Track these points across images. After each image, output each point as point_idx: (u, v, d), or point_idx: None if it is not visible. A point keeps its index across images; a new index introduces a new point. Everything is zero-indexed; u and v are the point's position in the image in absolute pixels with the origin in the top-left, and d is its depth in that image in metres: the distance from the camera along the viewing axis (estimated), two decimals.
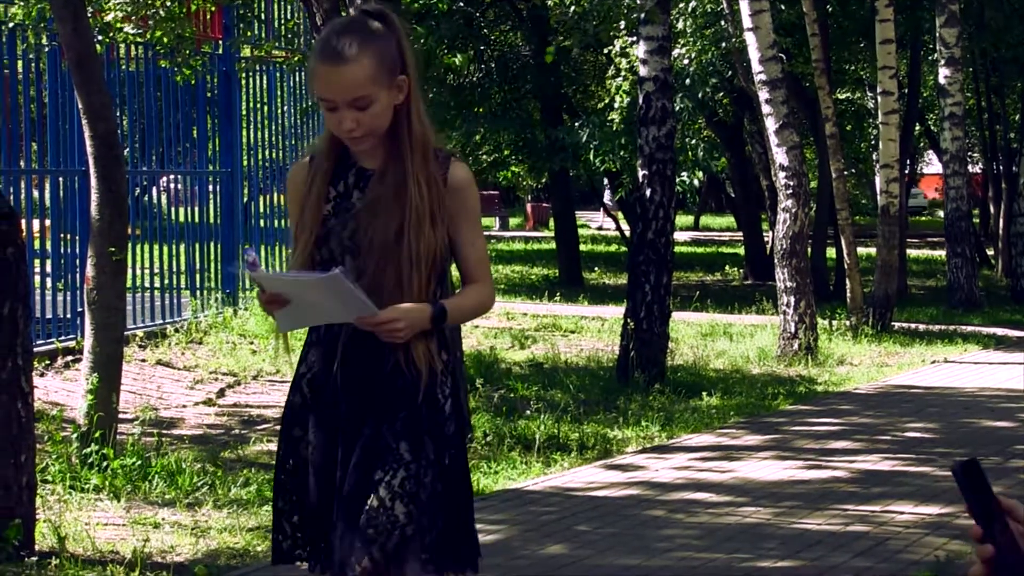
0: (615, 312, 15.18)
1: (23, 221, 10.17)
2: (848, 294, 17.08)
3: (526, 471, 8.70)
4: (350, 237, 3.76)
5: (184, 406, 10.56)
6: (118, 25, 12.28)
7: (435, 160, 3.81)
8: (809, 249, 16.32)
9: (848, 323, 16.28)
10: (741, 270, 26.30)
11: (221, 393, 11.21)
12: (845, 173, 16.74)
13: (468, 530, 3.87)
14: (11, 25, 12.37)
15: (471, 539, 3.87)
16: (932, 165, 44.99)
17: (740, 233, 28.20)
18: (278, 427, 9.79)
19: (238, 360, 12.49)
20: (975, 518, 1.93)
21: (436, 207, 3.75)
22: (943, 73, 19.24)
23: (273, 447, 9.06)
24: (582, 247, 25.89)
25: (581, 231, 26.72)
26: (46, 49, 12.65)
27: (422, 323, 3.71)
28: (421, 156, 3.78)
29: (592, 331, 16.12)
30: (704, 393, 11.49)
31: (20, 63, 12.70)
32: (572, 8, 20.89)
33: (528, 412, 10.35)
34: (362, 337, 3.74)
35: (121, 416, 8.66)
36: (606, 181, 31.63)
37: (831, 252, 22.37)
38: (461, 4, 21.51)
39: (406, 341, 3.71)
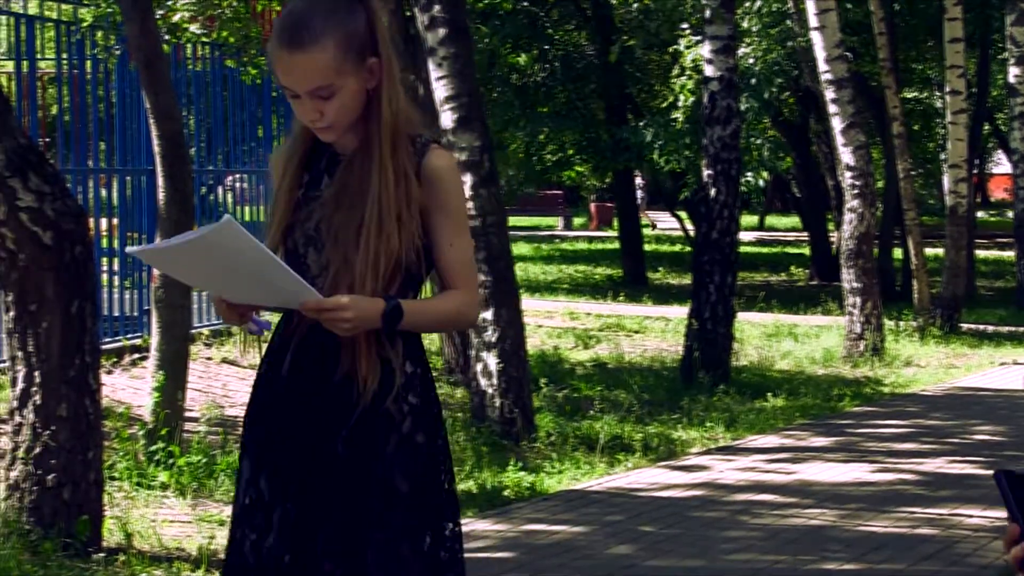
0: (679, 312, 15.14)
1: (91, 220, 10.25)
2: (915, 295, 16.95)
3: (590, 471, 8.68)
4: (314, 228, 3.36)
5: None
6: (185, 26, 12.37)
7: (411, 148, 3.37)
8: (876, 249, 16.21)
9: (915, 324, 16.16)
10: (806, 270, 26.15)
11: None
12: (912, 173, 16.61)
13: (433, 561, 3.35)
14: (81, 27, 12.48)
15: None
16: (1001, 165, 44.57)
17: (805, 233, 28.04)
18: None
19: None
20: (1014, 519, 1.92)
21: (403, 203, 3.30)
22: (1013, 72, 19.05)
23: None
24: (646, 247, 25.82)
25: (645, 231, 26.63)
26: (115, 50, 12.75)
27: (371, 318, 3.23)
28: (391, 147, 3.34)
29: (656, 331, 16.08)
30: (769, 394, 11.43)
31: (89, 64, 12.80)
32: (636, 7, 20.86)
33: (592, 412, 10.33)
34: (316, 337, 3.30)
35: (187, 414, 8.70)
36: (640, 181, 31.62)
37: (898, 253, 22.20)
38: (526, 4, 21.50)
39: (353, 340, 3.26)
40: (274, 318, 3.49)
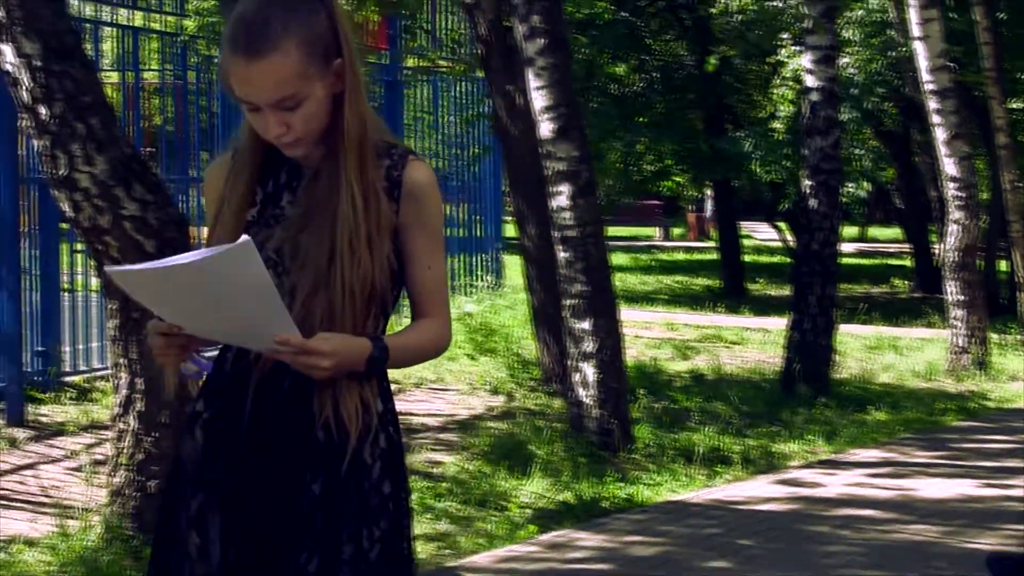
0: (779, 324, 14.99)
1: (193, 228, 10.34)
2: (1021, 308, 16.69)
3: (688, 483, 8.62)
4: (275, 250, 2.98)
5: None
6: None
7: (386, 160, 3.04)
8: (980, 262, 15.98)
9: (1021, 338, 15.90)
10: (909, 282, 25.85)
11: None
12: (1018, 184, 16.35)
13: None
14: (184, 38, 12.60)
15: None
16: None
17: (908, 245, 27.72)
18: (440, 435, 9.82)
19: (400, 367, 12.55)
20: None
21: (373, 224, 2.97)
22: None
23: (436, 455, 9.10)
24: (745, 257, 25.64)
25: (744, 241, 26.46)
26: (216, 60, 12.86)
27: (354, 363, 2.93)
28: (356, 158, 2.98)
29: (755, 343, 15.95)
30: (871, 407, 11.29)
31: (192, 74, 12.94)
32: (736, 17, 20.75)
33: (690, 423, 10.26)
34: (281, 373, 2.96)
35: None
36: (710, 192, 31.46)
37: (1003, 265, 21.89)
38: (625, 14, 21.45)
39: (333, 384, 2.95)
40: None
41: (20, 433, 9.29)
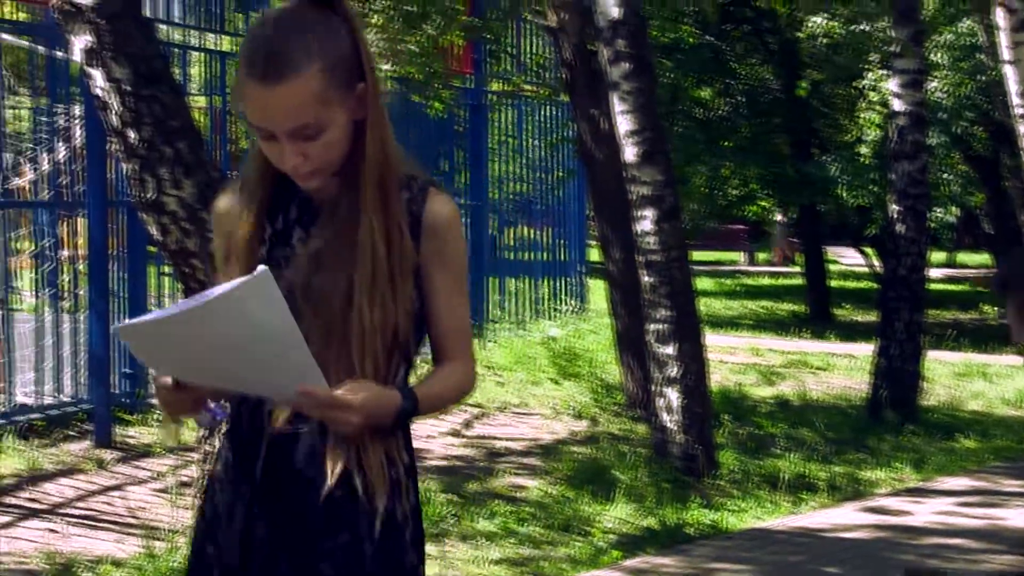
0: (865, 350, 14.85)
1: None
2: None
3: (773, 510, 8.55)
4: (287, 294, 2.63)
5: (431, 437, 10.66)
6: None
7: (405, 193, 2.78)
8: None
9: None
10: (998, 309, 25.55)
11: (468, 424, 11.29)
12: None
13: None
14: None
15: None
16: None
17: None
18: (524, 459, 9.80)
19: (484, 392, 12.57)
20: None
21: (396, 263, 2.72)
22: None
23: (519, 480, 9.09)
24: (831, 283, 25.44)
25: (830, 266, 26.27)
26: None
27: (383, 417, 2.68)
28: (377, 190, 2.73)
29: (841, 368, 15.81)
30: (959, 435, 11.15)
31: None
32: (822, 41, 20.63)
33: (775, 449, 10.18)
34: (300, 429, 2.72)
35: None
36: (780, 217, 31.27)
37: None
38: (709, 38, 21.39)
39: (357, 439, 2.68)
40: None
41: (108, 454, 9.38)
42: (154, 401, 10.89)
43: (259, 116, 2.67)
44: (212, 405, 2.75)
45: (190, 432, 9.57)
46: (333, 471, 2.69)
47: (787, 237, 38.59)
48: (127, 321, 2.66)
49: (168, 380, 2.64)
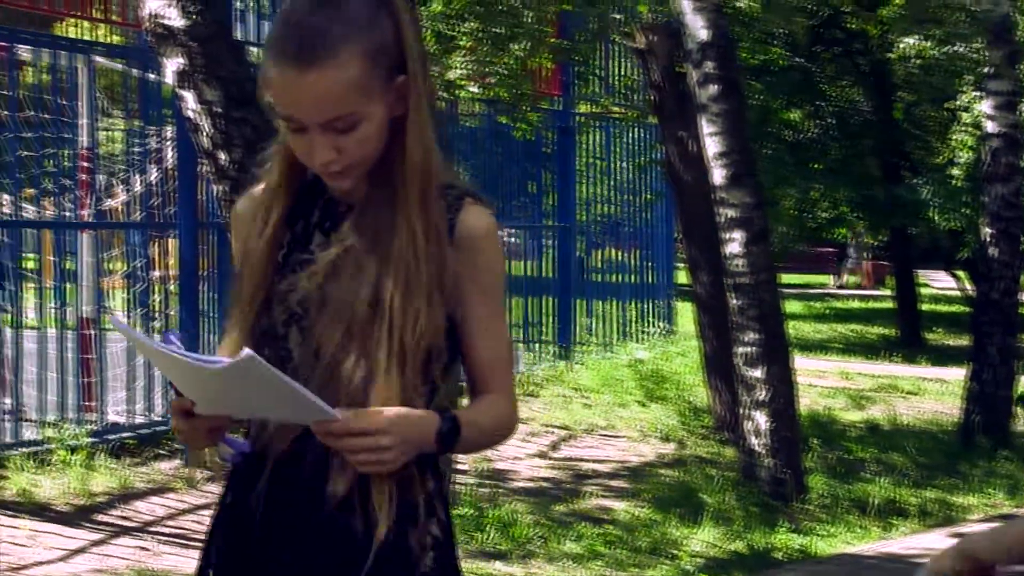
0: (956, 374, 14.68)
1: None
2: None
3: (863, 535, 8.46)
4: (300, 302, 2.47)
5: (518, 458, 10.65)
6: (460, 83, 12.56)
7: (441, 200, 2.51)
8: None
9: None
10: None
11: (555, 446, 11.27)
12: None
13: None
14: None
15: None
16: None
17: None
18: (611, 482, 9.75)
19: (571, 414, 12.55)
20: None
21: (434, 274, 2.45)
22: None
23: (606, 502, 9.06)
24: (923, 306, 25.19)
25: (922, 290, 26.01)
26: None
27: (422, 443, 2.40)
28: (419, 194, 2.47)
29: (932, 393, 15.64)
30: None
31: None
32: (915, 62, 20.45)
33: (865, 474, 10.09)
34: (301, 451, 2.47)
35: (457, 467, 8.78)
36: (852, 240, 31.05)
37: None
38: (799, 60, 21.28)
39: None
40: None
41: (198, 473, 9.45)
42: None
43: (289, 104, 2.41)
44: (232, 437, 2.51)
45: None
46: (335, 493, 2.44)
47: (860, 260, 38.46)
48: (134, 331, 2.52)
49: (184, 406, 2.41)
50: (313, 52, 2.36)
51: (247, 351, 2.28)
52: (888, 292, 31.16)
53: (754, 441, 9.28)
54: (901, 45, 19.93)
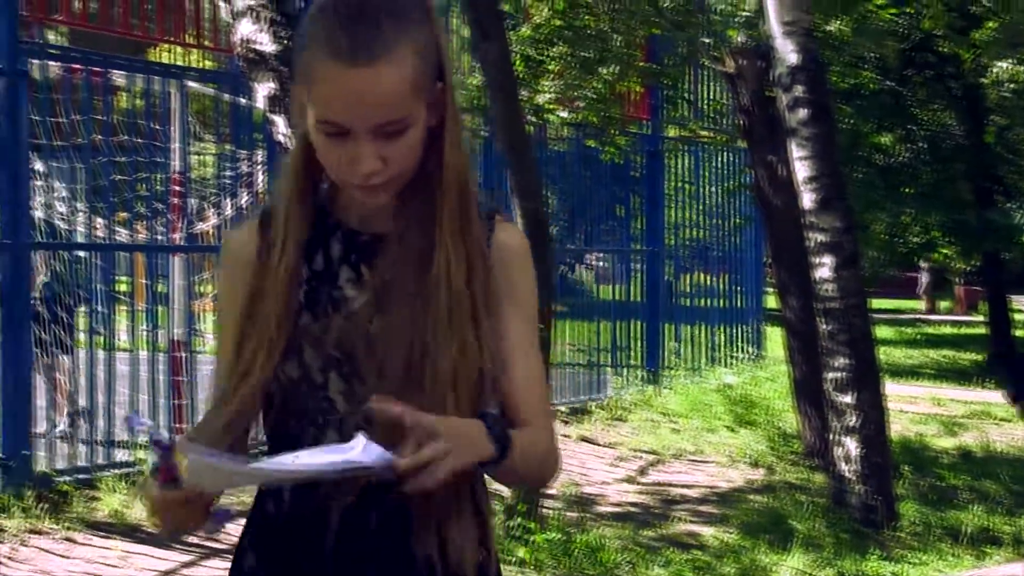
0: None
1: None
2: None
3: (956, 564, 8.36)
4: (337, 346, 2.25)
5: (606, 483, 10.62)
6: (549, 107, 12.58)
7: (478, 220, 2.32)
8: None
9: None
10: None
11: (643, 471, 11.23)
12: None
13: None
14: None
15: None
16: None
17: None
18: (700, 507, 9.71)
19: (660, 438, 12.50)
20: None
21: (480, 295, 2.26)
22: None
23: (695, 527, 9.01)
24: (1016, 332, 24.88)
25: (1015, 316, 25.68)
26: (481, 132, 13.08)
27: (475, 449, 2.15)
28: (459, 210, 2.27)
29: None
30: None
31: None
32: (1008, 86, 20.25)
33: (957, 502, 9.97)
34: (367, 502, 2.26)
35: (545, 491, 8.77)
36: (924, 264, 30.81)
37: None
38: (890, 84, 21.13)
39: (433, 496, 2.16)
40: (244, 495, 2.44)
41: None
42: None
43: (340, 107, 2.16)
44: (217, 509, 2.27)
45: None
46: (424, 550, 2.25)
47: (932, 287, 38.30)
48: (192, 448, 2.16)
49: (175, 499, 2.14)
50: (370, 47, 2.14)
51: (360, 436, 2.08)
52: (981, 318, 30.83)
53: (844, 467, 9.20)
54: (994, 69, 19.75)
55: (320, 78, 2.16)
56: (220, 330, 2.39)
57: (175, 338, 10.67)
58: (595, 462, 11.54)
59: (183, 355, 10.54)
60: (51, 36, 12.06)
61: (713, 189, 17.70)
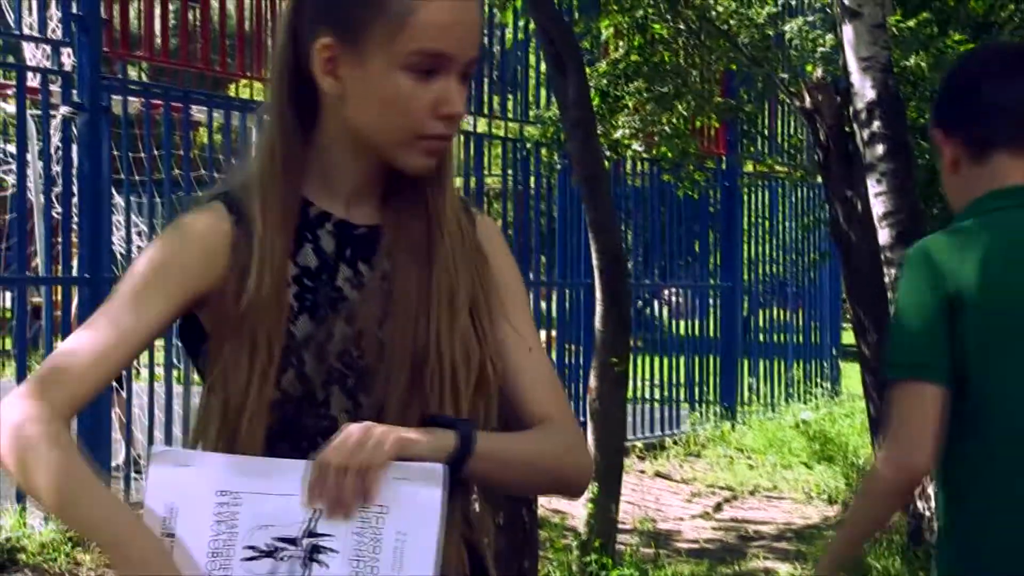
0: None
1: None
2: None
3: None
4: (341, 356, 2.03)
5: (681, 519, 10.58)
6: (625, 142, 12.58)
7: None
8: None
9: None
10: None
11: (718, 507, 11.18)
12: None
13: None
14: (527, 144, 12.91)
15: None
16: None
17: None
18: (776, 544, 9.68)
19: (735, 474, 12.44)
20: None
21: (483, 295, 2.11)
22: None
23: (771, 564, 8.96)
24: None
25: None
26: (557, 166, 13.12)
27: (420, 434, 1.96)
28: (450, 194, 2.14)
29: None
30: None
31: (532, 179, 13.21)
32: None
33: None
34: None
35: (620, 526, 8.74)
36: None
37: None
38: None
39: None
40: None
41: None
42: None
43: (451, 36, 2.03)
44: None
45: None
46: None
47: None
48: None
49: None
50: None
51: (438, 467, 1.93)
52: None
53: (921, 504, 9.11)
54: None
55: (412, 12, 2.02)
56: (116, 301, 2.09)
57: None
58: (670, 498, 11.50)
59: None
60: (131, 72, 12.22)
61: (790, 225, 17.63)
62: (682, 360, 15.15)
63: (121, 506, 1.97)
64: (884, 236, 9.32)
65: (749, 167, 16.91)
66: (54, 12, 9.83)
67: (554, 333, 13.26)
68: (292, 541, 1.93)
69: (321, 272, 2.07)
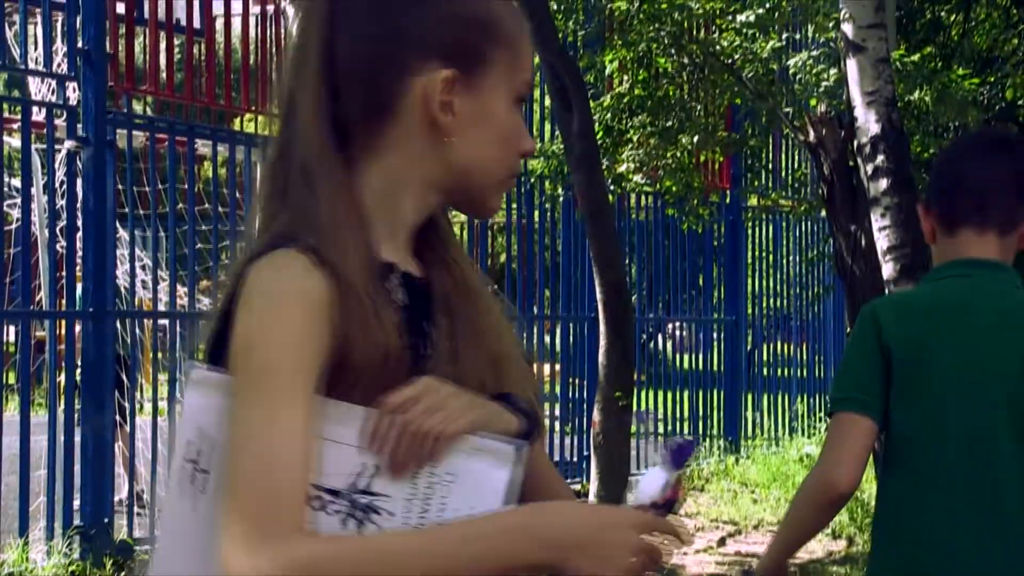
0: None
1: (535, 365, 10.49)
2: None
3: None
4: None
5: (685, 553, 10.55)
6: (630, 176, 12.61)
7: None
8: None
9: None
10: None
11: (722, 541, 11.15)
12: None
13: None
14: (531, 177, 12.92)
15: None
16: None
17: None
18: None
19: (739, 508, 12.41)
20: None
21: (501, 324, 2.06)
22: None
23: None
24: None
25: None
26: (560, 199, 13.13)
27: (490, 406, 1.91)
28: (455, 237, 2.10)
29: None
30: None
31: (536, 213, 13.22)
32: None
33: None
34: None
35: None
36: None
37: None
38: None
39: None
40: None
41: None
42: None
43: (528, 75, 1.99)
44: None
45: None
46: None
47: None
48: None
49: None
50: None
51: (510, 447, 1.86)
52: None
53: None
54: None
55: (524, 44, 1.97)
56: (278, 396, 1.81)
57: None
58: None
59: None
60: (136, 106, 12.25)
61: (794, 259, 17.63)
62: (686, 394, 15.13)
63: (433, 530, 1.82)
64: (888, 270, 9.32)
65: (753, 201, 16.92)
66: (59, 46, 9.86)
67: (558, 367, 13.25)
68: (335, 493, 1.82)
69: (409, 323, 1.91)
